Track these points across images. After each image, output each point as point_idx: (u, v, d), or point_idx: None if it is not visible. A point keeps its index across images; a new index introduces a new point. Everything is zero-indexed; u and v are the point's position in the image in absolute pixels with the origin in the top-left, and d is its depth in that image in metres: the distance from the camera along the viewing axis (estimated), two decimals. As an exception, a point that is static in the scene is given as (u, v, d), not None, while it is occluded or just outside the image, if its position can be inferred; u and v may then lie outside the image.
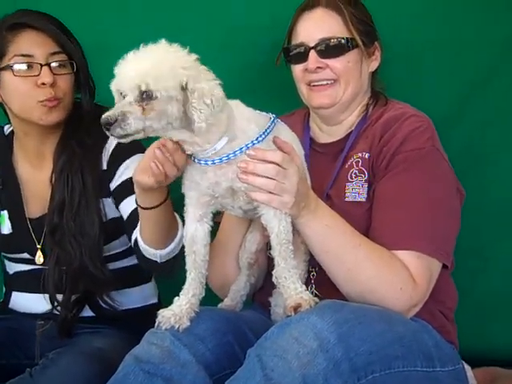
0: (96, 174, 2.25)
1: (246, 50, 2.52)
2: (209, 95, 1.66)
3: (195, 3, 2.55)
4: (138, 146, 2.17)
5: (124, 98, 1.66)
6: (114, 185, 2.27)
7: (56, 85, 2.20)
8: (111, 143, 2.28)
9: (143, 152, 2.12)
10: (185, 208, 1.85)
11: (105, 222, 2.27)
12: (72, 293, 2.26)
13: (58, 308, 2.27)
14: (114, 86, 1.69)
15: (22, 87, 2.18)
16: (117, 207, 2.27)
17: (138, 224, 2.03)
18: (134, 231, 2.12)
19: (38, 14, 2.24)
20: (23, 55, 2.18)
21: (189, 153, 1.77)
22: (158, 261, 2.04)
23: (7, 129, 2.43)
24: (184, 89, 1.65)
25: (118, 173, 2.26)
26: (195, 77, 1.67)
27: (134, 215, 2.10)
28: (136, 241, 2.08)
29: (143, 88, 1.62)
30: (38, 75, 2.17)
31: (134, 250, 2.13)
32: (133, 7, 2.58)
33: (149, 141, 1.79)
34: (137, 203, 1.93)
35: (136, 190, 1.90)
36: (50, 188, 2.27)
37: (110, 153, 2.27)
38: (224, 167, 1.75)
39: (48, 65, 2.19)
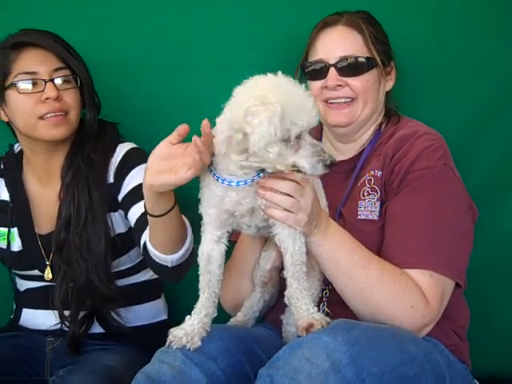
0: (102, 189, 2.26)
1: (258, 65, 2.51)
2: None
3: (204, 18, 2.56)
4: (142, 156, 2.18)
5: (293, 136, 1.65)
6: (121, 196, 2.27)
7: (61, 100, 2.21)
8: (117, 157, 2.29)
9: (145, 162, 2.16)
10: (202, 228, 1.85)
11: (112, 238, 2.28)
12: (79, 309, 2.26)
13: (66, 324, 2.27)
14: (300, 128, 1.65)
15: (27, 104, 2.20)
16: (126, 216, 2.26)
17: (147, 228, 2.02)
18: (143, 235, 2.11)
19: (41, 32, 2.26)
20: (27, 73, 2.20)
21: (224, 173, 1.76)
22: (169, 265, 2.02)
23: (17, 147, 2.45)
24: None
25: (125, 183, 2.26)
26: None
27: (142, 219, 2.10)
28: (145, 245, 2.08)
29: None
30: (43, 91, 2.19)
31: (144, 253, 2.12)
32: (137, 23, 2.58)
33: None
34: (146, 211, 1.92)
35: (149, 197, 1.87)
36: (58, 204, 2.28)
37: (116, 166, 2.28)
38: (247, 189, 1.75)
39: (52, 80, 2.21)
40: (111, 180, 2.28)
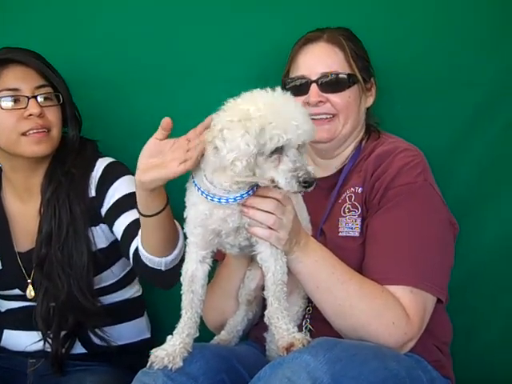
0: (84, 203, 2.25)
1: (245, 79, 2.51)
2: None
3: (190, 32, 2.56)
4: (123, 169, 2.24)
5: (276, 149, 1.65)
6: (104, 209, 2.27)
7: (44, 116, 2.21)
8: (97, 171, 2.29)
9: (129, 174, 2.20)
10: (187, 247, 1.84)
11: (94, 252, 2.27)
12: (61, 326, 2.25)
13: (49, 342, 2.25)
14: (279, 142, 1.64)
15: (9, 121, 2.19)
16: (111, 228, 2.26)
17: (139, 234, 2.02)
18: (133, 243, 2.11)
19: (23, 50, 2.26)
20: (9, 89, 2.19)
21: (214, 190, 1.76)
22: (163, 269, 2.02)
23: None
24: None
25: (108, 196, 2.26)
26: None
27: (130, 228, 2.11)
28: (136, 251, 2.07)
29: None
30: (25, 108, 2.19)
31: (135, 261, 2.11)
32: (121, 39, 2.58)
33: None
34: (140, 213, 1.92)
35: (141, 195, 1.87)
36: (38, 220, 2.27)
37: (97, 180, 2.28)
38: (233, 206, 1.75)
39: (34, 97, 2.21)
40: (93, 194, 2.28)
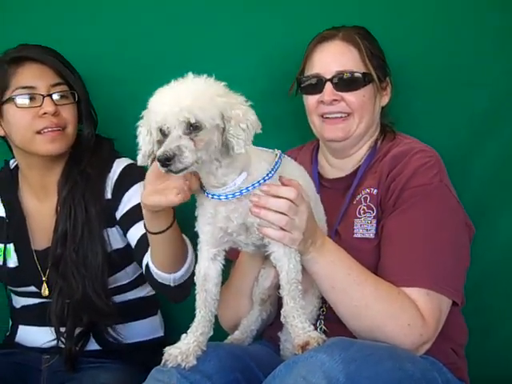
0: (100, 204, 2.26)
1: (255, 78, 2.53)
2: (244, 120, 1.68)
3: (202, 31, 2.56)
4: (140, 173, 2.16)
5: (165, 134, 1.66)
6: (119, 214, 2.27)
7: (59, 115, 2.22)
8: (114, 172, 2.29)
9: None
10: (198, 246, 1.85)
11: (109, 253, 2.27)
12: (75, 325, 2.26)
13: (63, 340, 2.26)
14: (154, 123, 1.67)
15: (24, 119, 2.20)
16: (125, 235, 2.26)
17: (149, 249, 2.03)
18: (145, 256, 2.12)
19: (39, 47, 2.27)
20: (25, 87, 2.20)
21: (209, 187, 1.76)
22: (172, 285, 2.03)
23: (12, 163, 2.45)
24: (223, 117, 1.67)
25: (123, 202, 2.26)
26: (231, 104, 1.69)
27: (143, 240, 2.10)
28: (147, 266, 2.08)
29: (193, 120, 1.62)
30: (40, 106, 2.20)
31: (146, 274, 2.12)
32: (135, 37, 2.59)
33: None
34: (146, 229, 1.93)
35: (146, 214, 1.89)
36: (54, 219, 2.28)
37: (113, 182, 2.28)
38: (235, 202, 1.75)
39: (50, 95, 2.21)
40: (109, 196, 2.28)
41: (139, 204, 2.08)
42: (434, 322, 1.87)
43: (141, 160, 1.77)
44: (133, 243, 2.22)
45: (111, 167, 2.30)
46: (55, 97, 2.23)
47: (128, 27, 2.59)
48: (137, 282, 2.41)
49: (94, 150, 2.32)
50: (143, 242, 2.11)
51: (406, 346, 1.83)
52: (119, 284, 2.35)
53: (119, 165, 2.31)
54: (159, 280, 2.04)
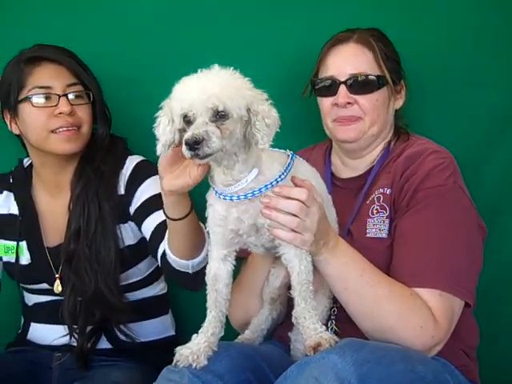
0: (113, 200, 2.27)
1: (269, 79, 2.52)
2: (269, 116, 1.68)
3: (215, 32, 2.56)
4: (153, 169, 2.20)
5: (189, 121, 1.65)
6: (133, 208, 2.28)
7: (74, 114, 2.24)
8: (127, 168, 2.31)
9: (157, 174, 2.17)
10: (209, 247, 1.85)
11: (122, 249, 2.29)
12: (88, 321, 2.27)
13: (75, 337, 2.27)
14: (179, 110, 1.66)
15: (40, 118, 2.22)
16: (139, 228, 2.27)
17: (166, 236, 2.04)
18: (161, 245, 2.13)
19: (55, 48, 2.29)
20: (41, 87, 2.22)
21: (220, 186, 1.76)
22: (190, 271, 2.03)
23: (26, 161, 2.47)
24: (248, 109, 1.68)
25: (136, 196, 2.28)
26: (257, 98, 1.69)
27: (159, 230, 2.13)
28: (164, 254, 2.09)
29: (221, 108, 1.62)
30: (56, 105, 2.21)
31: (162, 263, 2.13)
32: (149, 37, 2.59)
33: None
34: (167, 216, 1.93)
35: (167, 202, 1.90)
36: (67, 216, 2.29)
37: (126, 178, 2.30)
38: (246, 203, 1.75)
39: (65, 95, 2.23)
40: (122, 192, 2.30)
41: (153, 196, 2.14)
42: (446, 323, 1.87)
43: (160, 149, 1.74)
44: (147, 234, 2.23)
45: (124, 164, 2.33)
46: (71, 97, 2.25)
47: (144, 27, 2.59)
48: (149, 280, 2.42)
49: (108, 149, 2.33)
50: (158, 232, 2.14)
51: (418, 347, 1.83)
52: (131, 281, 2.36)
53: (132, 161, 2.33)
54: (177, 268, 2.05)
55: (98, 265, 2.24)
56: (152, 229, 2.20)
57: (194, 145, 1.60)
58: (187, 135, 1.62)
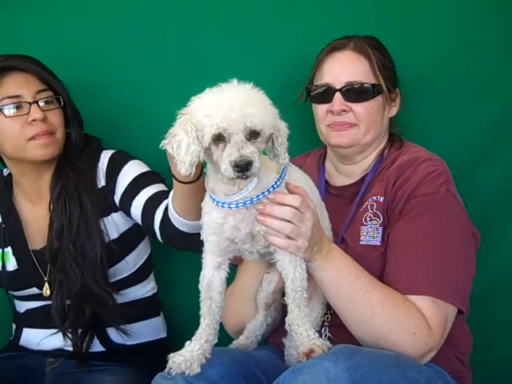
0: (93, 194, 2.29)
1: (264, 86, 2.52)
2: (285, 131, 1.73)
3: (210, 38, 2.56)
4: (128, 156, 2.32)
5: (219, 138, 1.64)
6: (118, 195, 2.30)
7: (47, 120, 2.25)
8: (103, 162, 2.33)
9: (135, 159, 2.30)
10: (203, 254, 1.85)
11: (107, 243, 2.30)
12: (78, 319, 2.27)
13: (69, 336, 2.28)
14: (214, 128, 1.63)
15: (13, 127, 2.22)
16: (128, 211, 2.28)
17: (164, 203, 2.07)
18: (156, 213, 2.14)
19: (21, 57, 2.29)
20: (11, 97, 2.22)
21: (220, 194, 1.76)
22: (196, 231, 1.97)
23: (6, 171, 2.48)
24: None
25: (119, 182, 2.30)
26: (277, 114, 1.72)
27: (150, 202, 2.17)
28: (164, 218, 2.09)
29: (258, 127, 1.63)
30: (28, 113, 2.22)
31: (162, 225, 2.12)
32: (146, 43, 2.59)
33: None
34: (176, 179, 1.91)
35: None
36: (49, 217, 2.30)
37: (104, 169, 2.32)
38: (243, 212, 1.75)
39: (36, 102, 2.23)
40: (102, 183, 2.32)
41: (136, 177, 2.23)
42: (439, 330, 1.87)
43: (188, 169, 1.68)
44: (139, 211, 2.23)
45: (99, 158, 2.35)
46: (41, 103, 2.25)
47: (144, 34, 2.59)
48: (137, 277, 2.43)
49: (82, 147, 2.36)
50: (150, 204, 2.17)
51: (411, 354, 1.83)
52: (121, 277, 2.37)
53: (106, 154, 2.36)
54: (180, 228, 2.04)
55: (83, 260, 2.25)
56: (143, 203, 2.21)
57: (247, 167, 1.61)
58: (235, 157, 1.61)
